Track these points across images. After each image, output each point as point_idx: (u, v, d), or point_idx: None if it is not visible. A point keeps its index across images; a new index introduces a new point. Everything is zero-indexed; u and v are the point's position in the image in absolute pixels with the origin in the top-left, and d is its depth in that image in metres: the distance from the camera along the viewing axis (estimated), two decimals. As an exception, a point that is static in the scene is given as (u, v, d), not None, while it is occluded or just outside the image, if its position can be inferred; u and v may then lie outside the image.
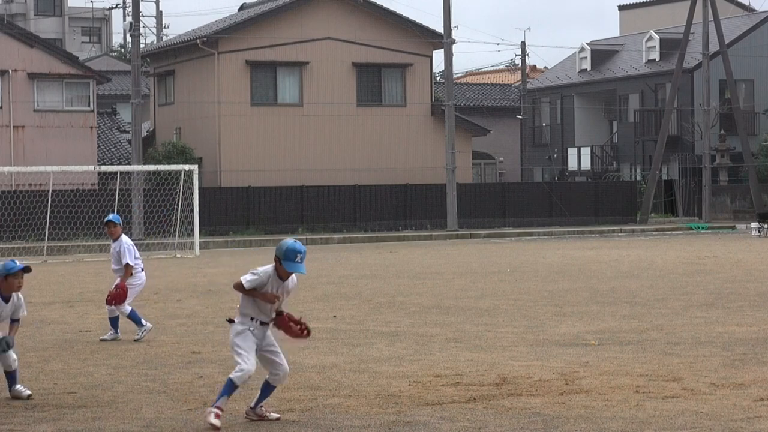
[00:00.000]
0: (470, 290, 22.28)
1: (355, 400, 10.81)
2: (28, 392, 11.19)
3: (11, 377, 11.30)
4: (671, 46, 60.89)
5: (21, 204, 41.30)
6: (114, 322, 15.63)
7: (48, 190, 38.78)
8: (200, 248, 37.19)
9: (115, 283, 15.66)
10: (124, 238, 15.88)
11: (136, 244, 16.26)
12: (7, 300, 11.25)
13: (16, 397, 11.15)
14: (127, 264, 15.63)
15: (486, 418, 9.90)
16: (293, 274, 9.95)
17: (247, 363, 9.75)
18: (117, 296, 15.42)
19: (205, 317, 18.15)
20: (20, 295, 11.37)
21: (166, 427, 9.75)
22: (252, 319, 9.92)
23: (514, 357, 13.39)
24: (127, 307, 15.55)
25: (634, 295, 20.55)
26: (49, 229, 38.62)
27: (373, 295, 21.38)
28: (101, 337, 15.66)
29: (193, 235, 37.20)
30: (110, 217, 15.99)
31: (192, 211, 37.51)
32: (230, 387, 9.77)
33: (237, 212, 46.52)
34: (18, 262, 11.26)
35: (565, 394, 10.83)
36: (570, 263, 29.59)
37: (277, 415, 10.05)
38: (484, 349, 14.07)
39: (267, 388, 10.06)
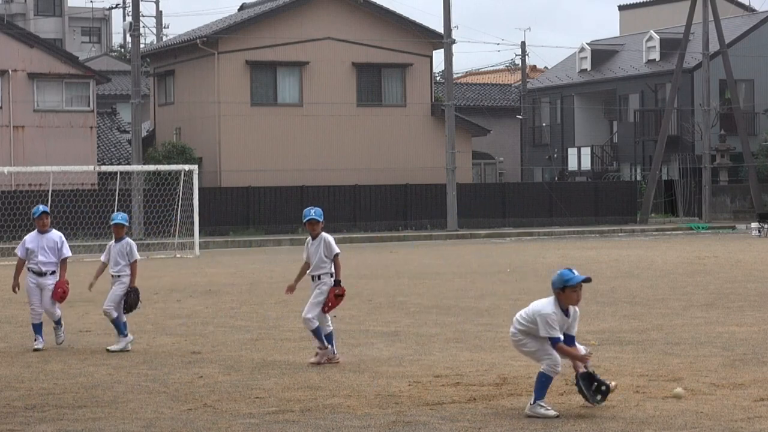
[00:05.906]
0: (470, 290, 22.28)
1: (355, 400, 10.81)
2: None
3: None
4: (671, 46, 60.86)
5: (21, 204, 41.25)
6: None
7: (48, 190, 38.76)
8: (200, 248, 37.16)
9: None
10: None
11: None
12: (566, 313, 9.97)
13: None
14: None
15: (486, 418, 9.90)
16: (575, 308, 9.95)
17: None
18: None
19: (205, 317, 18.15)
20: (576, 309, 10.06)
21: (166, 427, 9.75)
22: None
23: (514, 357, 13.36)
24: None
25: (634, 295, 20.54)
26: (48, 229, 38.54)
27: (373, 295, 21.36)
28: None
29: (193, 236, 37.17)
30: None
31: (192, 211, 37.49)
32: None
33: (237, 212, 46.52)
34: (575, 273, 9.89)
35: (565, 394, 10.82)
36: (570, 263, 29.50)
37: None
38: (484, 349, 14.06)
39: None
